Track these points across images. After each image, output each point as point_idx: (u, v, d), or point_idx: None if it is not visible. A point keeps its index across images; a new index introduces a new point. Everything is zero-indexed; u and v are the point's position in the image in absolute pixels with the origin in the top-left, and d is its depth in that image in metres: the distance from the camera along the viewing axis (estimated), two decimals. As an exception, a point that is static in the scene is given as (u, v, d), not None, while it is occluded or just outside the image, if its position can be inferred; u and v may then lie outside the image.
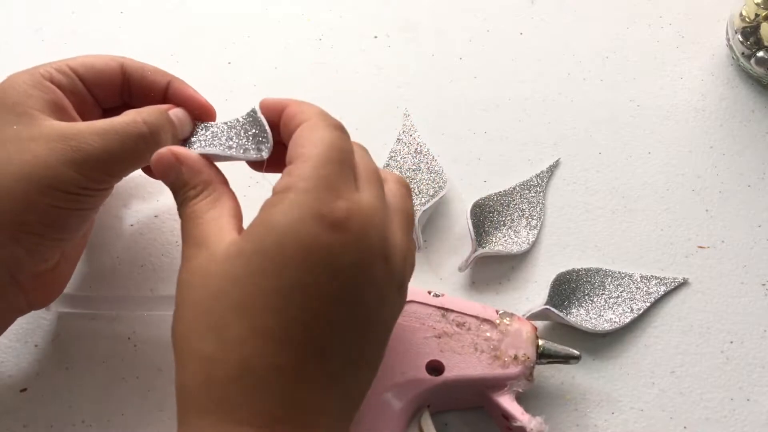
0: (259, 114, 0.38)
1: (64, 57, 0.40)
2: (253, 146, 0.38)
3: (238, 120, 0.40)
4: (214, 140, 0.39)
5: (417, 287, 0.42)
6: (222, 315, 0.30)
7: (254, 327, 0.30)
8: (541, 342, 0.42)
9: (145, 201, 0.48)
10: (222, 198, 0.35)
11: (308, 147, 0.33)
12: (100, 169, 0.37)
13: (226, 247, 0.32)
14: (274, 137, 0.38)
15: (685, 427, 0.44)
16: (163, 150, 0.36)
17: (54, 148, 0.36)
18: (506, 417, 0.40)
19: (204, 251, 0.32)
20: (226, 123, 0.40)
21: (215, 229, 0.33)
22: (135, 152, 0.38)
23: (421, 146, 0.51)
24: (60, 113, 0.38)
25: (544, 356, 0.42)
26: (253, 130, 0.38)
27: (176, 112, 0.40)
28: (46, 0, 0.57)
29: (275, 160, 0.37)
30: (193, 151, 0.38)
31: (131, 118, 0.38)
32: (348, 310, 0.31)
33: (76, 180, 0.36)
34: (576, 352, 0.42)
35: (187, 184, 0.36)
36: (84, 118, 0.40)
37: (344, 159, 0.33)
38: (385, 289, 0.33)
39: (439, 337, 0.41)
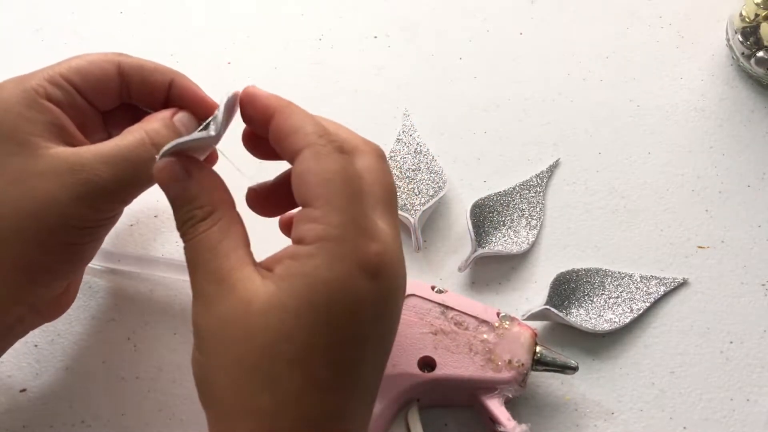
0: (225, 100, 0.34)
1: (64, 57, 0.39)
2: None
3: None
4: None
5: (421, 281, 0.42)
6: (274, 370, 0.30)
7: (310, 380, 0.30)
8: (538, 349, 0.42)
9: (144, 201, 0.48)
10: (233, 225, 0.32)
11: (323, 187, 0.31)
12: (113, 200, 0.35)
13: (262, 297, 0.30)
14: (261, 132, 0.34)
15: (684, 427, 0.44)
16: (168, 161, 0.33)
17: (63, 183, 0.34)
18: (493, 420, 0.40)
19: (230, 294, 0.30)
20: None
21: (236, 264, 0.31)
22: (147, 177, 0.35)
23: (421, 146, 0.51)
24: (61, 134, 0.36)
25: (541, 364, 0.42)
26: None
27: (182, 119, 0.38)
28: (46, 0, 0.57)
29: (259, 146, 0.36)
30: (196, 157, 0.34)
31: (138, 139, 0.36)
32: (387, 346, 0.33)
33: (89, 214, 0.35)
34: (573, 363, 0.42)
35: (193, 202, 0.33)
36: (84, 128, 0.38)
37: (359, 189, 0.32)
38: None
39: (435, 334, 0.41)
